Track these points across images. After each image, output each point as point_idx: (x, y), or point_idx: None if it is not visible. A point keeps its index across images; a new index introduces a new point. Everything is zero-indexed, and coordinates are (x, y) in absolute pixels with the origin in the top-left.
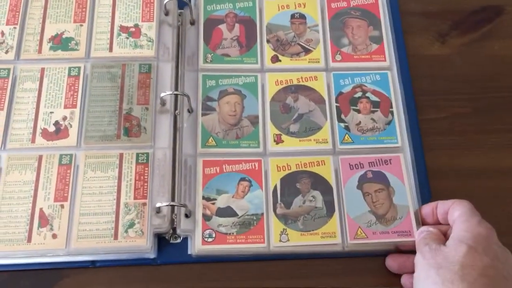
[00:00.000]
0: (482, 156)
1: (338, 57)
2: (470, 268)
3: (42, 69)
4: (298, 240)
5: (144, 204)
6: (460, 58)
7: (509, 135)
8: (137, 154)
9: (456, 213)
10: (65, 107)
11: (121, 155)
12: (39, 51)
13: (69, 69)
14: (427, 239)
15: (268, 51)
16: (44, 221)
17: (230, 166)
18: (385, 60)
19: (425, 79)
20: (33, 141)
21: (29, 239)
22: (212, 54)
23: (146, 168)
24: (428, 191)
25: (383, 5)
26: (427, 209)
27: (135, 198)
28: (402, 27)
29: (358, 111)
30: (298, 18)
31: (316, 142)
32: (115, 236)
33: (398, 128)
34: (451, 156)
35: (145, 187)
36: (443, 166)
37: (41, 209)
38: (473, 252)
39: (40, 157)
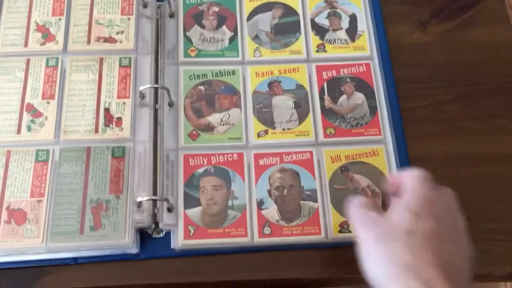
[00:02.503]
0: (465, 143)
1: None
2: (413, 233)
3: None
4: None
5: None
6: (441, 45)
7: (491, 121)
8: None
9: (408, 183)
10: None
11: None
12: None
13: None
14: (365, 209)
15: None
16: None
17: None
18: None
19: (407, 68)
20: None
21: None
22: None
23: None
24: None
25: None
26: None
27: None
28: (382, 15)
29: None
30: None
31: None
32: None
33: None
34: (434, 144)
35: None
36: (426, 154)
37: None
38: (415, 217)
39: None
